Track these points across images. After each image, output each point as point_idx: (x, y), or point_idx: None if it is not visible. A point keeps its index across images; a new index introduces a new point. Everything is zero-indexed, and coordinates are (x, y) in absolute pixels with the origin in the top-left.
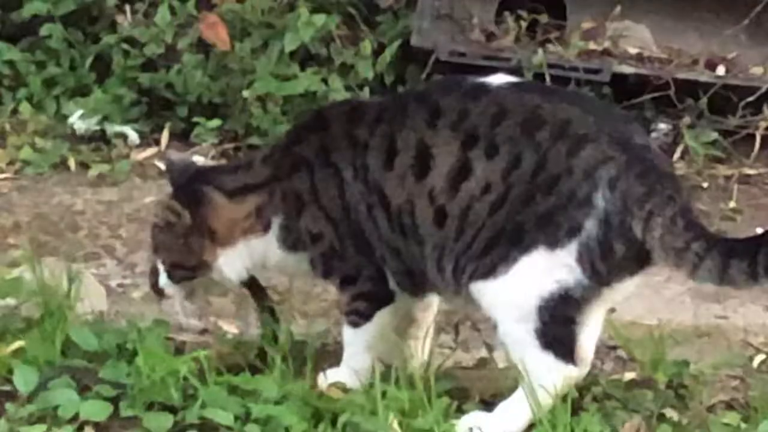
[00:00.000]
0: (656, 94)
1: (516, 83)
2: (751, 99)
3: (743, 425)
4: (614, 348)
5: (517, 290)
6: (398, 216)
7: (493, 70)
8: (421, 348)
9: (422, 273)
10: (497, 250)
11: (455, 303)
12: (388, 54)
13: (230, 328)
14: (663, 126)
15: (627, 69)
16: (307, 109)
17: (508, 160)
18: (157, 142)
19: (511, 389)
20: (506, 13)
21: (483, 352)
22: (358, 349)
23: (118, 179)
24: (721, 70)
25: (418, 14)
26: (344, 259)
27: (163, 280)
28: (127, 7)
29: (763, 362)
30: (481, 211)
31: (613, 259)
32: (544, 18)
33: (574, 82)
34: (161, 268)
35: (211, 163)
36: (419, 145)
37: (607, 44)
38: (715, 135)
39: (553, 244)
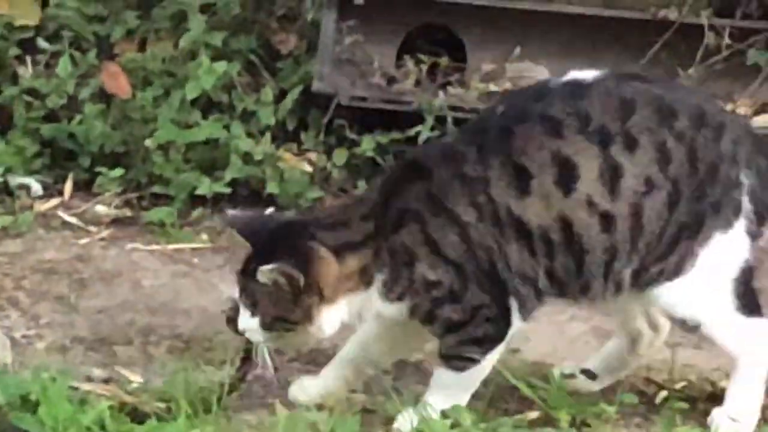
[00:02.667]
0: None
1: (609, 75)
2: None
3: None
4: (518, 388)
5: (710, 282)
6: (543, 237)
7: (394, 114)
8: None
9: (579, 283)
10: (680, 247)
11: (602, 307)
12: (289, 100)
13: (135, 377)
14: None
15: None
16: (211, 157)
17: (654, 152)
18: (61, 193)
19: None
20: (406, 57)
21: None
22: (454, 393)
23: (21, 231)
24: None
25: (319, 60)
26: (461, 302)
27: (246, 324)
28: (28, 59)
29: (665, 399)
30: (658, 210)
31: (764, 225)
32: (444, 61)
33: None
34: (246, 313)
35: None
36: (556, 159)
37: (507, 85)
38: None
39: (726, 227)
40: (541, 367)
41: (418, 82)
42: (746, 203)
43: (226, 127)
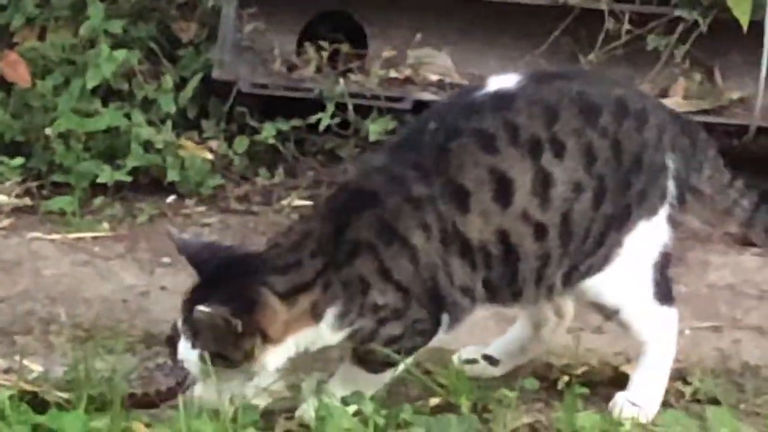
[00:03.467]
0: None
1: (529, 79)
2: None
3: None
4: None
5: (633, 269)
6: (483, 250)
7: (296, 101)
8: None
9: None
10: (608, 240)
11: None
12: (190, 88)
13: (36, 367)
14: None
15: (428, 96)
16: (111, 145)
17: (581, 154)
18: None
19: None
20: (307, 44)
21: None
22: (363, 387)
23: None
24: None
25: (219, 47)
26: (402, 318)
27: (185, 354)
28: None
29: (567, 384)
30: (585, 210)
31: (684, 210)
32: (345, 48)
33: (376, 110)
34: (187, 343)
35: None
36: (492, 175)
37: (408, 72)
38: None
39: (651, 214)
40: (442, 353)
41: (318, 69)
42: (671, 187)
43: (127, 116)
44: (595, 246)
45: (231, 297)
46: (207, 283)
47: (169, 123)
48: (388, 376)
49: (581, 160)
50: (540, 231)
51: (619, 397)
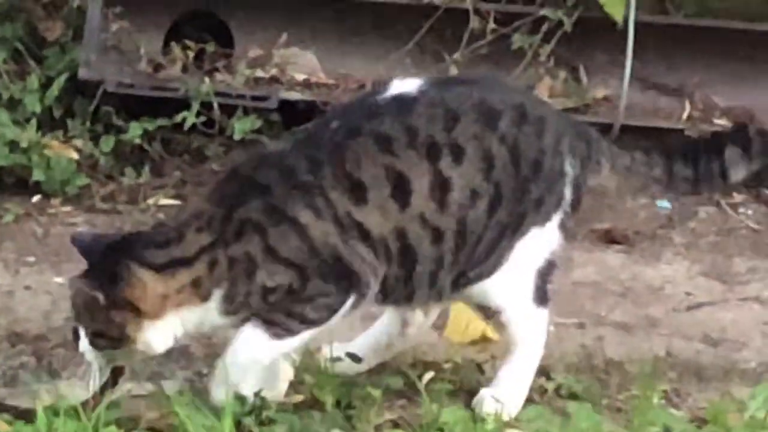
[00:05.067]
0: None
1: (431, 84)
2: None
3: None
4: None
5: (518, 272)
6: (383, 243)
7: (162, 101)
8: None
9: (405, 291)
10: (500, 246)
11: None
12: (55, 87)
13: None
14: None
15: (294, 95)
16: None
17: (479, 160)
18: None
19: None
20: (173, 44)
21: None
22: (256, 356)
23: None
24: None
25: (85, 47)
26: (300, 295)
27: (83, 345)
28: None
29: (432, 380)
30: (479, 217)
31: (577, 214)
32: (211, 47)
33: (242, 109)
34: (82, 333)
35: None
36: (390, 174)
37: (274, 71)
38: None
39: (545, 220)
40: (306, 351)
41: (185, 69)
42: (567, 194)
43: None
44: (486, 253)
45: (99, 272)
46: (90, 266)
47: (34, 122)
48: (280, 348)
49: (479, 166)
50: (437, 235)
51: (484, 394)
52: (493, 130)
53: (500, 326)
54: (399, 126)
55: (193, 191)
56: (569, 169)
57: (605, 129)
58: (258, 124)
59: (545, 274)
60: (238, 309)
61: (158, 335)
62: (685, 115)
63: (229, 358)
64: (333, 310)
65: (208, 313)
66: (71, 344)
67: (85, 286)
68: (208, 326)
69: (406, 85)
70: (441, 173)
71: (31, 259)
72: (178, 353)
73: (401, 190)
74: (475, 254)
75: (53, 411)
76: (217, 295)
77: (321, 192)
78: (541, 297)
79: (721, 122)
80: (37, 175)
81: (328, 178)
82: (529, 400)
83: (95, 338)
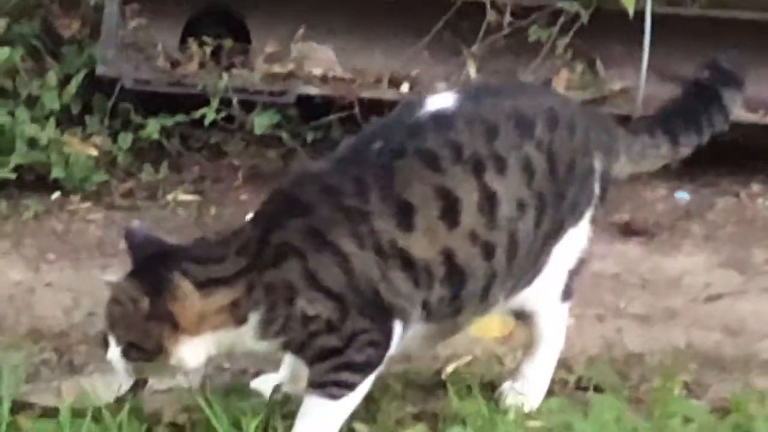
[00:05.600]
0: (342, 114)
1: (466, 94)
2: None
3: None
4: None
5: (554, 275)
6: (426, 270)
7: (180, 97)
8: None
9: (450, 308)
10: (543, 254)
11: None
12: (74, 84)
13: None
14: None
15: (312, 90)
16: None
17: (521, 170)
18: None
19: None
20: (190, 40)
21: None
22: (326, 424)
23: None
24: (405, 87)
25: (102, 44)
26: (339, 331)
27: (112, 355)
28: None
29: (453, 373)
30: (527, 228)
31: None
32: (228, 43)
33: (260, 105)
34: (112, 341)
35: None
36: (440, 194)
37: (291, 66)
38: None
39: (578, 220)
40: None
41: (202, 65)
42: (596, 189)
43: (11, 113)
44: (532, 263)
45: (143, 278)
46: (132, 272)
47: (53, 120)
48: (349, 404)
49: (522, 176)
50: (488, 250)
51: (506, 386)
52: (530, 138)
53: (528, 323)
54: (443, 142)
55: (211, 187)
56: (597, 164)
57: (623, 121)
58: (276, 119)
59: (575, 272)
60: (276, 335)
61: (192, 352)
62: None
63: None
64: (380, 345)
65: (243, 336)
66: (92, 340)
67: (131, 288)
68: (242, 348)
69: (442, 100)
70: (487, 187)
71: (52, 256)
72: None
73: (450, 209)
74: (528, 264)
75: (76, 409)
76: (254, 319)
77: (366, 219)
78: (567, 293)
79: (740, 114)
80: (57, 173)
81: (374, 202)
82: (550, 393)
83: (129, 348)
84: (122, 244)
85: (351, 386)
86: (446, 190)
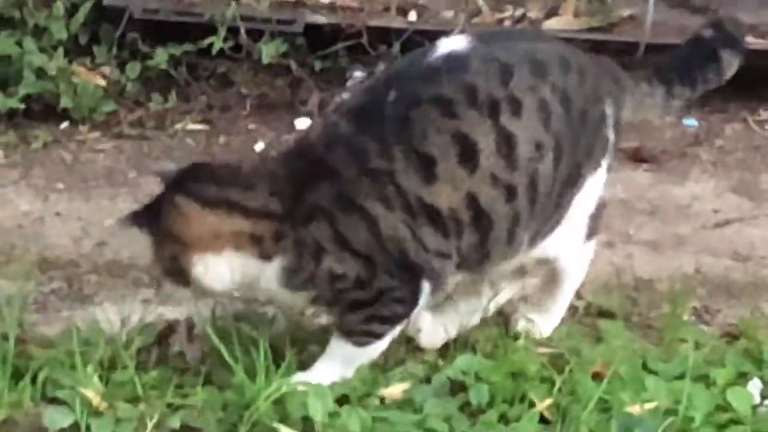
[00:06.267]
0: (350, 43)
1: (478, 38)
2: None
3: None
4: None
5: (575, 222)
6: (453, 218)
7: (187, 26)
8: None
9: (480, 253)
10: (564, 199)
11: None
12: (81, 14)
13: None
14: (358, 74)
15: (320, 19)
16: (4, 73)
17: (537, 112)
18: None
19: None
20: None
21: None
22: (345, 365)
23: None
24: (412, 15)
25: None
26: (366, 288)
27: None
28: None
29: None
30: (547, 169)
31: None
32: None
33: (268, 34)
34: None
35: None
36: (456, 140)
37: None
38: None
39: (596, 167)
40: None
41: None
42: (611, 135)
43: (18, 43)
44: (554, 208)
45: (149, 209)
46: (147, 204)
47: (61, 50)
48: (373, 351)
49: (538, 118)
50: (510, 192)
51: (519, 314)
52: (544, 80)
53: (552, 266)
54: (457, 86)
55: (219, 116)
56: (609, 110)
57: (631, 49)
58: (284, 48)
59: (597, 216)
60: (301, 287)
61: (212, 271)
62: None
63: (320, 371)
64: (407, 302)
65: (267, 276)
66: (102, 270)
67: (130, 223)
68: (266, 290)
69: (454, 42)
70: (504, 129)
71: (60, 185)
72: None
73: (468, 154)
74: (548, 209)
75: (86, 337)
76: (279, 263)
77: (392, 179)
78: (591, 233)
79: (748, 39)
80: (65, 102)
81: (398, 160)
82: (561, 320)
83: (167, 276)
84: (132, 174)
85: (378, 336)
86: (463, 135)
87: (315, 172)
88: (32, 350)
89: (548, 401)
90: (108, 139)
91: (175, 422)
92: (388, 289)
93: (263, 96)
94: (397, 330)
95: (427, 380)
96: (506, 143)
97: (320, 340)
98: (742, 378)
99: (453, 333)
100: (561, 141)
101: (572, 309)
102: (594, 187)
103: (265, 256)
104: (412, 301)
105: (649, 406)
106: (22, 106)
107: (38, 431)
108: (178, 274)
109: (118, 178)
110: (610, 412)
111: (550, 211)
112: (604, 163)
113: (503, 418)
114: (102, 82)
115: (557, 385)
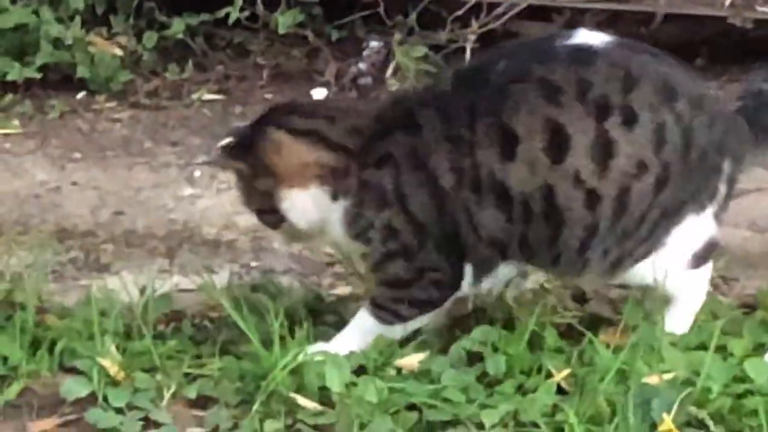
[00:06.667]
0: (367, 12)
1: (617, 42)
2: (459, 13)
3: None
4: (331, 264)
5: (673, 257)
6: (524, 204)
7: None
8: None
9: (551, 253)
10: (660, 228)
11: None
12: None
13: None
14: (375, 44)
15: None
16: (21, 42)
17: (652, 131)
18: None
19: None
20: None
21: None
22: (364, 338)
23: None
24: None
25: None
26: (412, 260)
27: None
28: None
29: None
30: (645, 192)
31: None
32: None
33: (284, 3)
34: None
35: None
36: (549, 126)
37: None
38: (425, 50)
39: (701, 209)
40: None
41: None
42: (722, 189)
43: (35, 13)
44: (645, 236)
45: (241, 145)
46: (235, 141)
47: (77, 19)
48: (396, 331)
49: (651, 138)
50: (592, 198)
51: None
52: (670, 106)
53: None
54: (572, 77)
55: (236, 86)
56: (726, 168)
57: (648, 19)
58: (300, 17)
59: (703, 254)
60: (358, 234)
61: (298, 206)
62: (728, 2)
63: (340, 341)
64: (445, 287)
65: (334, 218)
66: (119, 239)
67: (225, 158)
68: (332, 231)
69: (592, 36)
70: (606, 134)
71: (77, 155)
72: (226, 247)
73: (557, 145)
74: (636, 234)
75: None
76: (343, 204)
77: (470, 152)
78: (698, 263)
79: (765, 9)
80: (82, 72)
81: (480, 132)
82: None
83: (260, 216)
84: (148, 143)
85: (405, 319)
86: (558, 125)
87: (399, 121)
88: (50, 320)
89: (566, 372)
90: (124, 109)
91: (192, 392)
92: (430, 268)
93: (280, 66)
94: (424, 319)
95: (444, 351)
96: (603, 148)
97: (336, 310)
98: (760, 349)
99: None
100: (670, 171)
101: None
102: (696, 227)
103: (334, 195)
104: (451, 287)
105: (667, 376)
106: (39, 75)
107: (56, 401)
108: (270, 211)
109: (134, 147)
110: (627, 382)
111: (642, 235)
112: (710, 210)
113: (520, 389)
114: (119, 52)
115: (575, 356)
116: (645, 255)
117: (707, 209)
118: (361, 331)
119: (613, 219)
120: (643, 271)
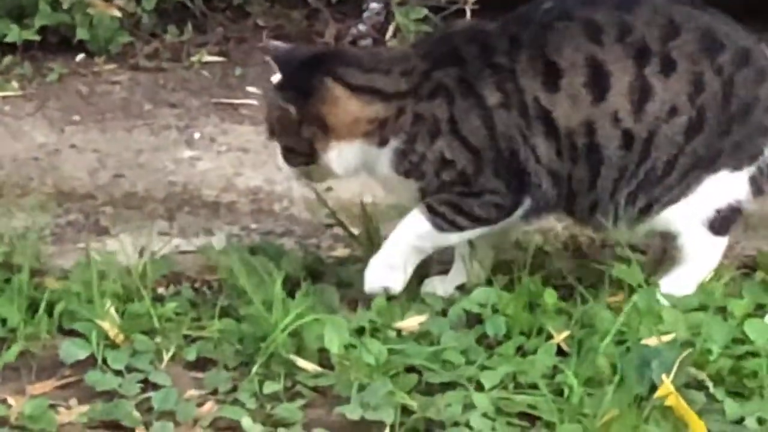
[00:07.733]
0: None
1: None
2: None
3: None
4: (330, 226)
5: (699, 205)
6: (569, 138)
7: None
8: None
9: (588, 199)
10: (691, 175)
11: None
12: None
13: None
14: (374, 5)
15: None
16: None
17: (688, 80)
18: None
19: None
20: None
21: (201, 238)
22: (420, 243)
23: None
24: None
25: None
26: (471, 185)
27: (279, 159)
28: None
29: None
30: (673, 136)
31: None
32: None
33: None
34: (278, 147)
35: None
36: (590, 63)
37: None
38: (425, 12)
39: (737, 167)
40: (355, 206)
41: None
42: (766, 152)
43: None
44: (678, 179)
45: (293, 85)
46: (285, 79)
47: None
48: (451, 239)
49: (686, 86)
50: (627, 139)
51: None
52: (711, 58)
53: (675, 247)
54: (614, 19)
55: (236, 48)
56: None
57: None
58: None
59: (726, 214)
60: (410, 171)
61: (342, 158)
62: None
63: (391, 242)
64: (501, 211)
65: (381, 161)
66: (118, 202)
67: (278, 98)
68: (380, 174)
69: None
70: (644, 78)
71: (76, 117)
72: (225, 209)
73: (598, 82)
74: (669, 179)
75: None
76: (393, 145)
77: (512, 77)
78: (717, 228)
79: None
80: (81, 34)
81: (522, 61)
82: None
83: (287, 153)
84: (148, 106)
85: (459, 228)
86: (598, 61)
87: (447, 57)
88: (48, 282)
89: (565, 333)
90: (124, 71)
91: (191, 354)
92: (490, 190)
93: (280, 27)
94: (477, 231)
95: (444, 313)
96: (640, 91)
97: (336, 272)
98: (760, 310)
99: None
100: (705, 117)
101: (590, 242)
102: (729, 184)
103: (383, 141)
104: (509, 211)
105: (666, 338)
106: (38, 38)
107: (55, 363)
108: (306, 155)
109: (134, 109)
110: (627, 343)
111: (671, 182)
112: (747, 170)
113: (520, 350)
114: (118, 14)
115: (574, 318)
116: (674, 201)
117: (744, 169)
118: (412, 234)
119: (639, 160)
120: (669, 216)
